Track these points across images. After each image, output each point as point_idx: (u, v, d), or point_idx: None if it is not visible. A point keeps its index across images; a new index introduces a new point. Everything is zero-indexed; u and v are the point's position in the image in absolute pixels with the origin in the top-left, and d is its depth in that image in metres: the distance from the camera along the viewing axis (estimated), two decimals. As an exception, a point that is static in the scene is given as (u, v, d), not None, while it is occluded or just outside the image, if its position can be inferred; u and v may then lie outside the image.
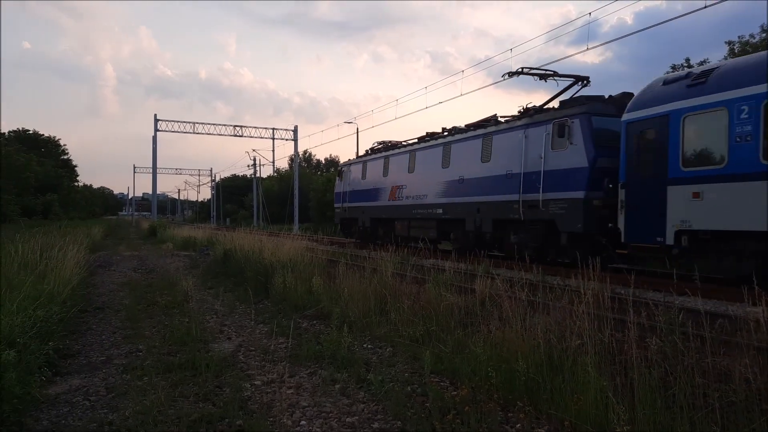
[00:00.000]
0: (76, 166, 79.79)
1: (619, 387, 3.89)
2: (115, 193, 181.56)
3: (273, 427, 4.13)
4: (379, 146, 22.60)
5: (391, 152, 20.62)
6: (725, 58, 28.24)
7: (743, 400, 3.53)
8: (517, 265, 8.94)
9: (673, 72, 19.90)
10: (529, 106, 14.41)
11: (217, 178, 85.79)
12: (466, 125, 16.92)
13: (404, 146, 20.07)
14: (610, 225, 11.12)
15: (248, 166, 71.61)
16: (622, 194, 10.67)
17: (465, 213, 15.54)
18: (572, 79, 14.03)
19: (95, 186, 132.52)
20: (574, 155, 11.85)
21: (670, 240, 9.66)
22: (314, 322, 7.96)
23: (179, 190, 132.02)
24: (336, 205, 25.28)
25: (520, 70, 14.59)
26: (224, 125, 51.10)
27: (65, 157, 77.34)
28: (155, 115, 49.44)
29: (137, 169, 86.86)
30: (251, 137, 52.45)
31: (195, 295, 9.91)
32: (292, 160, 56.30)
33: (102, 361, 6.15)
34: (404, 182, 18.93)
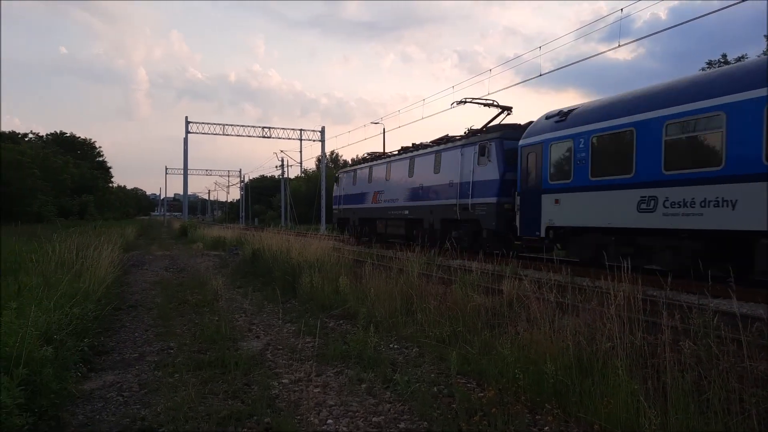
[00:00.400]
0: (110, 168, 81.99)
1: (650, 391, 3.81)
2: (147, 193, 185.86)
3: (300, 426, 4.17)
4: (367, 157, 26.10)
5: (373, 162, 24.08)
6: (764, 53, 27.37)
7: (782, 407, 3.42)
8: (545, 266, 8.83)
9: (708, 67, 21.62)
10: (472, 128, 17.62)
11: (246, 179, 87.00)
12: (430, 141, 19.97)
13: (384, 158, 23.38)
14: (514, 223, 14.21)
15: (276, 167, 72.45)
16: (517, 200, 14.10)
17: (423, 214, 18.84)
18: (500, 109, 17.63)
19: (129, 187, 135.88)
20: (491, 170, 15.23)
21: (543, 233, 13.01)
22: (341, 321, 8.00)
23: (209, 190, 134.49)
24: (334, 207, 28.85)
25: (464, 100, 18.13)
26: (253, 127, 51.74)
27: (100, 158, 79.51)
28: (186, 118, 50.42)
29: (169, 171, 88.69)
30: (279, 138, 53.01)
31: (224, 294, 10.08)
32: (319, 160, 56.68)
33: (135, 357, 6.30)
34: (383, 188, 22.41)
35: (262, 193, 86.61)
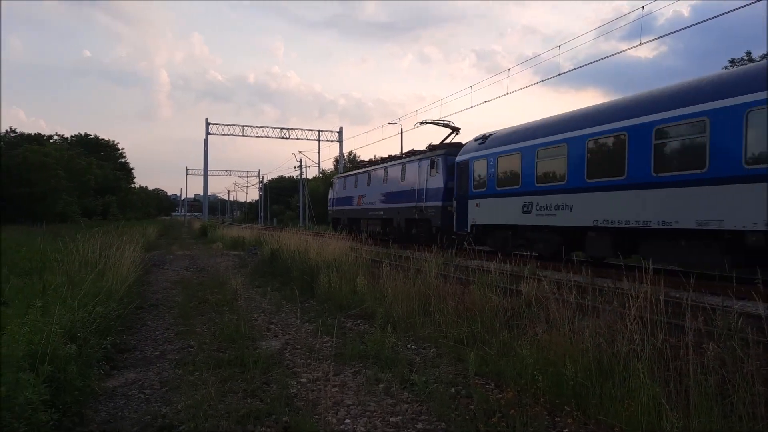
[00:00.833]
0: (132, 169, 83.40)
1: (672, 394, 3.74)
2: (168, 194, 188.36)
3: (318, 425, 4.18)
4: (352, 166, 31.60)
5: (358, 171, 28.39)
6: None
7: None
8: (564, 267, 8.74)
9: (731, 65, 23.45)
10: (431, 144, 21.24)
11: (265, 180, 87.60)
12: (401, 154, 24.10)
13: (366, 167, 27.45)
14: (453, 221, 17.85)
15: (294, 167, 72.85)
16: (454, 204, 17.84)
17: (393, 214, 22.63)
18: (450, 129, 21.84)
19: (150, 187, 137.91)
20: (438, 179, 18.95)
21: (469, 229, 16.81)
22: (358, 321, 8.02)
23: (229, 191, 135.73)
24: (329, 208, 33.16)
25: (425, 121, 23.15)
26: (271, 128, 52.16)
27: (123, 160, 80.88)
28: (206, 119, 51.02)
29: (189, 171, 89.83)
30: (297, 139, 53.35)
31: (243, 294, 10.17)
32: (337, 161, 56.85)
33: (156, 356, 6.39)
34: (365, 192, 26.36)
35: (281, 194, 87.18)
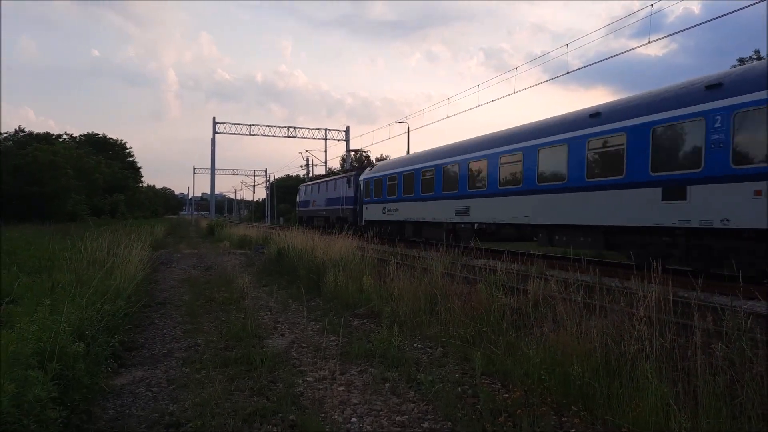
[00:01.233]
0: (140, 168, 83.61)
1: (680, 394, 3.72)
2: (176, 193, 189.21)
3: (324, 423, 4.19)
4: (310, 177, 43.05)
5: (312, 183, 40.38)
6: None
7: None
8: (572, 266, 8.71)
9: (739, 64, 27.70)
10: (356, 165, 38.30)
11: (272, 179, 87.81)
12: (336, 171, 40.37)
13: (318, 179, 39.86)
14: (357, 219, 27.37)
15: (301, 166, 72.96)
16: (358, 206, 27.20)
17: (330, 213, 33.54)
18: (366, 159, 41.14)
19: (158, 186, 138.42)
20: (351, 192, 28.98)
21: (363, 223, 25.74)
22: (365, 320, 8.02)
23: (236, 190, 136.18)
24: (297, 209, 46.24)
25: (354, 150, 44.49)
26: (279, 127, 52.26)
27: (131, 159, 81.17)
28: (214, 119, 51.18)
29: (197, 170, 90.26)
30: (304, 138, 53.41)
31: (250, 292, 10.20)
32: (344, 160, 56.87)
33: (163, 354, 6.43)
34: (316, 198, 37.68)
35: (288, 192, 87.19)
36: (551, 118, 14.71)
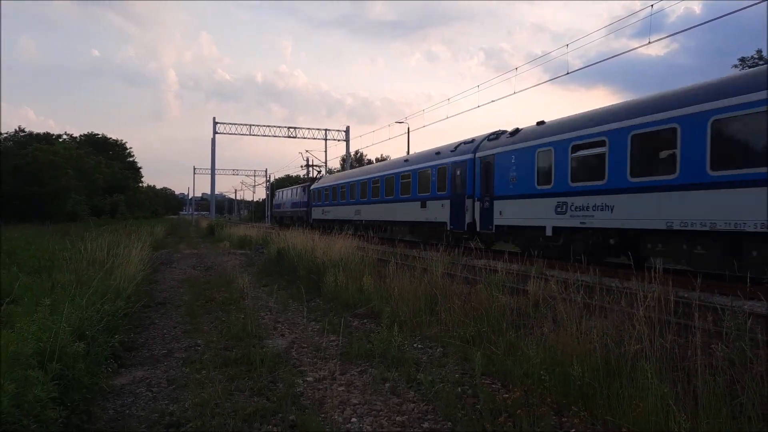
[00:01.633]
0: (140, 168, 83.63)
1: (680, 394, 3.72)
2: (176, 193, 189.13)
3: (324, 424, 4.19)
4: (310, 177, 50.76)
5: (284, 189, 49.51)
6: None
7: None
8: (572, 266, 8.71)
9: (741, 65, 25.72)
10: (311, 177, 48.32)
11: (272, 179, 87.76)
12: (302, 179, 54.29)
13: (287, 186, 49.17)
14: (310, 217, 37.69)
15: (301, 166, 72.95)
16: (309, 209, 37.84)
17: (295, 214, 41.77)
18: (318, 172, 53.89)
19: (158, 186, 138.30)
20: (305, 197, 39.02)
21: (311, 221, 36.58)
22: (365, 320, 8.02)
23: (236, 190, 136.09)
24: (272, 209, 55.47)
25: (318, 172, 56.26)
26: (279, 127, 52.26)
27: (131, 159, 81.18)
28: (214, 119, 51.15)
29: (197, 170, 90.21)
30: (304, 138, 53.42)
31: (250, 293, 10.19)
32: (344, 160, 56.88)
33: (163, 354, 6.43)
34: (285, 201, 46.62)
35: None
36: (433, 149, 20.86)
